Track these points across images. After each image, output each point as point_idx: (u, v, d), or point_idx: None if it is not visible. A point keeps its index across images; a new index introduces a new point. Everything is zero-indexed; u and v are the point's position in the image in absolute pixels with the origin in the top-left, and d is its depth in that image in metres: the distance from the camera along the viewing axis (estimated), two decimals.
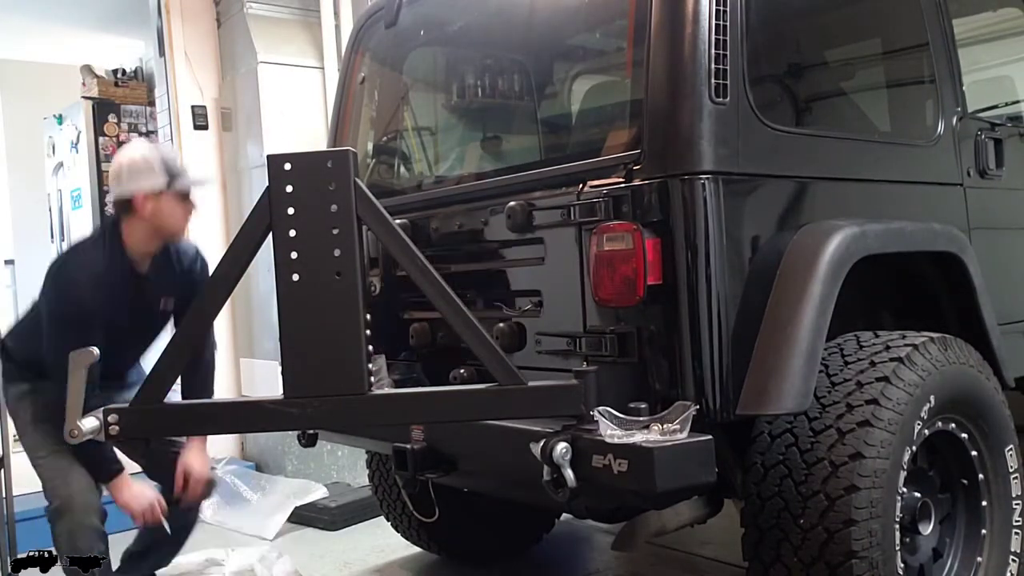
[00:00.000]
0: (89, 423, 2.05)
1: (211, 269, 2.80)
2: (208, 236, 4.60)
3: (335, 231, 1.98)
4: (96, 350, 2.14)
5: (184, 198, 2.77)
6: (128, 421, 2.08)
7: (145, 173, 2.70)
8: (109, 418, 2.06)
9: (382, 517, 3.62)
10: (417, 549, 3.67)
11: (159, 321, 2.93)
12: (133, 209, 2.71)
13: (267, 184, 2.04)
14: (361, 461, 3.95)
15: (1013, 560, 2.50)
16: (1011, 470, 2.50)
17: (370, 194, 2.04)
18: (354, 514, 4.33)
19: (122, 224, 2.77)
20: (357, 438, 2.94)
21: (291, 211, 1.98)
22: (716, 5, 2.16)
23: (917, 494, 2.33)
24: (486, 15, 2.98)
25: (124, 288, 2.75)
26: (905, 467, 2.17)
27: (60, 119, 6.74)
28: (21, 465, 4.16)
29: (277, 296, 2.04)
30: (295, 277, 1.98)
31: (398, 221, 2.24)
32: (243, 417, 2.17)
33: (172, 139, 5.31)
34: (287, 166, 2.01)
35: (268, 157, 2.02)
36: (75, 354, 2.10)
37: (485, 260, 2.60)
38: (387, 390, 2.21)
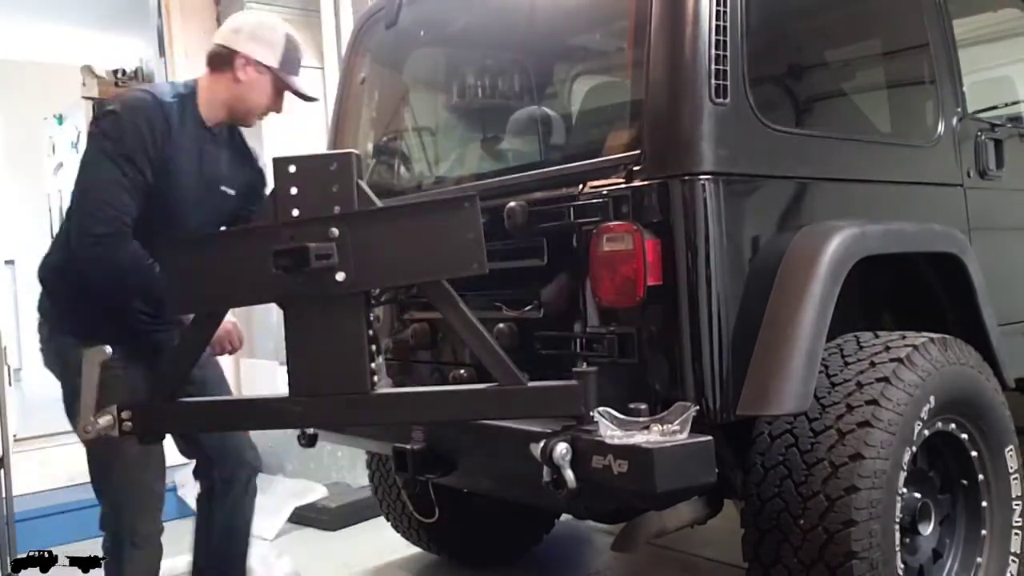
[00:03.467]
0: (103, 419, 2.08)
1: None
2: None
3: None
4: (109, 348, 2.15)
5: (279, 92, 2.55)
6: (141, 419, 2.11)
7: (268, 42, 2.48)
8: (123, 415, 2.09)
9: (382, 517, 3.62)
10: (417, 549, 3.67)
11: (219, 208, 2.58)
12: (229, 66, 2.47)
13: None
14: (361, 461, 3.96)
15: (1013, 561, 2.50)
16: (1011, 471, 2.50)
17: (373, 196, 2.05)
18: (354, 514, 4.34)
19: (206, 78, 2.53)
20: (357, 438, 2.94)
21: (295, 213, 2.00)
22: (716, 5, 2.16)
23: (917, 495, 2.33)
24: (486, 15, 2.98)
25: (191, 142, 2.48)
26: (905, 468, 2.17)
27: (60, 119, 6.75)
28: (21, 465, 4.17)
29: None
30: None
31: None
32: (251, 415, 2.21)
33: None
34: (291, 168, 2.03)
35: (273, 160, 2.04)
36: (89, 352, 2.11)
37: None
38: (389, 389, 2.22)
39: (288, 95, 2.58)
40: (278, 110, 2.59)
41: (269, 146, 4.95)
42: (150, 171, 2.35)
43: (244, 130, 2.71)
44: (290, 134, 5.04)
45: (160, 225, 2.37)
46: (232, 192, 2.60)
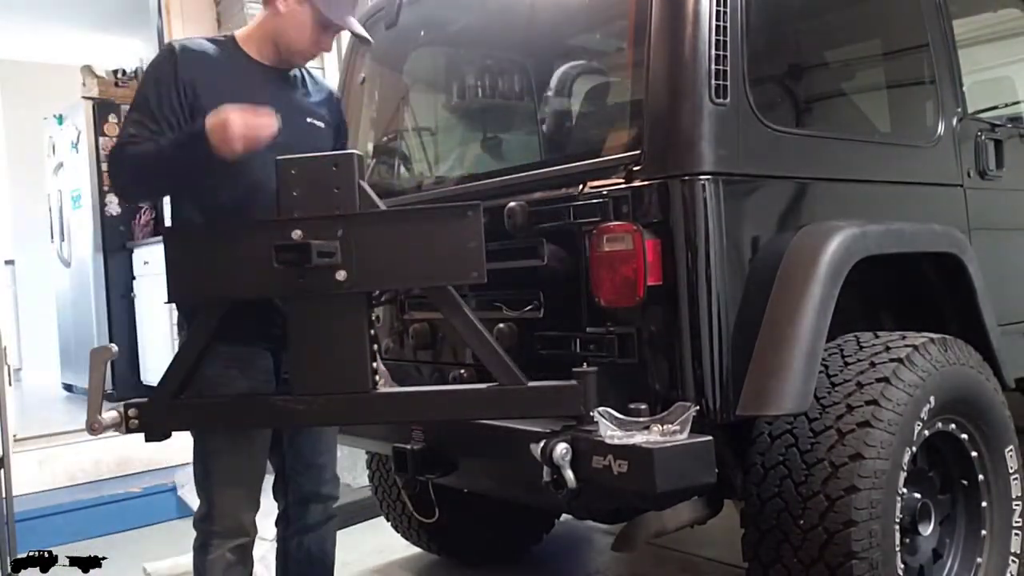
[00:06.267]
0: (109, 416, 2.09)
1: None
2: None
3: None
4: (115, 346, 2.15)
5: (322, 28, 2.27)
6: (147, 415, 2.12)
7: None
8: (129, 412, 2.10)
9: (382, 517, 3.63)
10: (417, 549, 3.67)
11: (314, 145, 2.26)
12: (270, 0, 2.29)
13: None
14: (361, 461, 3.96)
15: (1013, 561, 2.50)
16: (1011, 471, 2.50)
17: (375, 196, 2.06)
18: (354, 514, 4.33)
19: (259, 14, 2.32)
20: (357, 438, 2.94)
21: (297, 214, 2.01)
22: (716, 5, 2.16)
23: (917, 495, 2.33)
24: (486, 16, 2.98)
25: (245, 82, 2.26)
26: (905, 468, 2.17)
27: (60, 119, 6.74)
28: (21, 465, 4.17)
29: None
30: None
31: None
32: (255, 413, 2.20)
33: None
34: (294, 170, 2.04)
35: (276, 161, 2.05)
36: (95, 350, 2.12)
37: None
38: (390, 388, 2.22)
39: (345, 33, 2.36)
40: (323, 48, 2.33)
41: None
42: (183, 107, 2.16)
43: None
44: None
45: (247, 169, 2.14)
46: (322, 125, 2.39)
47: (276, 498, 2.52)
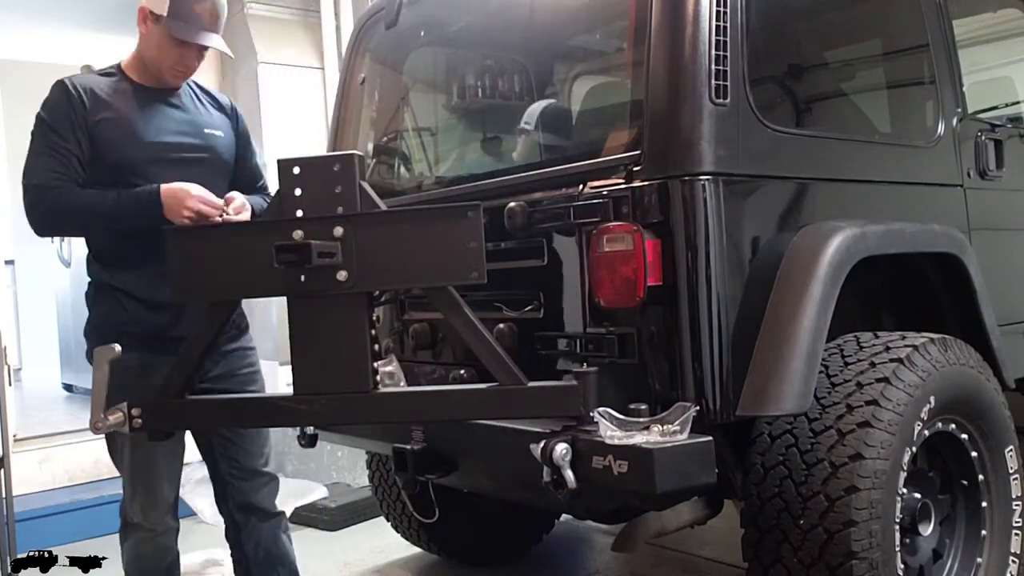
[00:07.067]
0: (113, 416, 2.10)
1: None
2: None
3: None
4: (118, 346, 2.15)
5: (182, 45, 2.34)
6: (151, 415, 2.12)
7: None
8: (133, 411, 2.11)
9: (382, 517, 3.63)
10: (417, 549, 3.67)
11: (216, 148, 2.47)
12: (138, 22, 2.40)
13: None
14: (361, 461, 3.96)
15: (1013, 561, 2.50)
16: (1011, 471, 2.50)
17: (376, 198, 2.06)
18: (354, 514, 4.34)
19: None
20: (357, 438, 2.94)
21: (299, 214, 2.02)
22: (716, 6, 2.16)
23: (917, 495, 2.33)
24: (486, 16, 2.98)
25: (133, 104, 2.40)
26: (905, 468, 2.17)
27: None
28: (21, 465, 4.17)
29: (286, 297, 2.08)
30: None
31: None
32: (257, 412, 2.24)
33: None
34: (295, 170, 2.05)
35: (278, 161, 2.06)
36: (99, 349, 2.13)
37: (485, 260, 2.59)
38: (391, 388, 2.23)
39: (216, 50, 2.45)
40: (189, 66, 2.40)
41: (269, 147, 4.96)
42: (83, 138, 2.37)
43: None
44: (290, 135, 5.06)
45: (142, 178, 2.31)
46: (220, 133, 2.50)
47: (219, 509, 2.59)
